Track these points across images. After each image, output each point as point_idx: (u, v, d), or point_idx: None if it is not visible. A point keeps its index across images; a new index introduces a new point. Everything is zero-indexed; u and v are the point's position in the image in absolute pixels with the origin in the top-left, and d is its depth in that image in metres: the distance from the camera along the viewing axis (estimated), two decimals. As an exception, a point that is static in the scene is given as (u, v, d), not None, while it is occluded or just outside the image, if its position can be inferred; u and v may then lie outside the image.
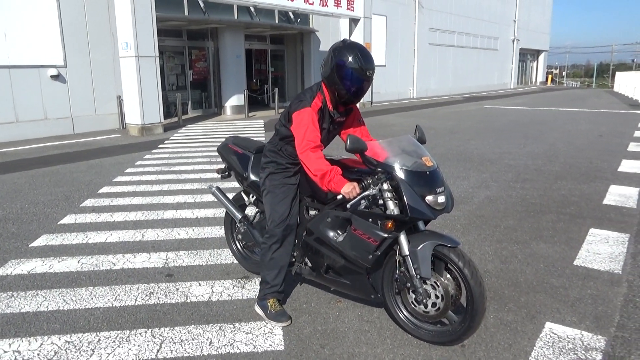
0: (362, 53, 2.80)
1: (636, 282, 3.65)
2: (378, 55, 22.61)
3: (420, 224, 2.84)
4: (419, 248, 2.69)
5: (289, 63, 21.02)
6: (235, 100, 17.28)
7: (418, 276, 2.72)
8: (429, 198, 2.65)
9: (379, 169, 2.72)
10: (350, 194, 2.67)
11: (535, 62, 45.44)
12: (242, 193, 3.75)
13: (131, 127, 12.30)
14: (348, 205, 2.73)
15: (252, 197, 3.64)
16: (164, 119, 12.88)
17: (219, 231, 4.78)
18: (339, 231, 2.98)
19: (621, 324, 3.06)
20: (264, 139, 11.00)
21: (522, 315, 3.17)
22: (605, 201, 5.82)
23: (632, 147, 9.68)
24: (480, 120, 15.31)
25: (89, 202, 5.90)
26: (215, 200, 4.14)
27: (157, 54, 12.18)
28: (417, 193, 2.63)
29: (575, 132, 12.14)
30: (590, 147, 9.75)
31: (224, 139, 3.82)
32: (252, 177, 3.43)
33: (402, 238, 2.74)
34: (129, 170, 7.83)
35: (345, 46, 2.83)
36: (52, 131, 12.00)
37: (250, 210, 3.76)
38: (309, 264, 3.25)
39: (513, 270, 3.88)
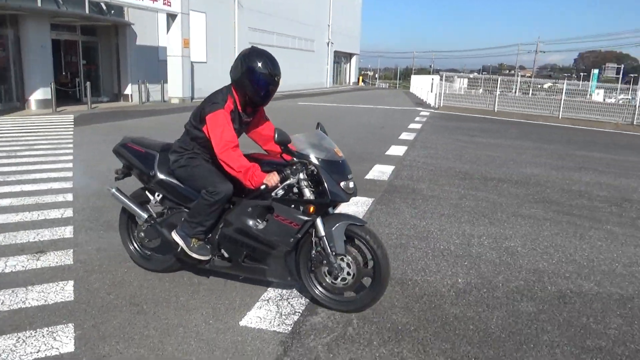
0: (270, 59, 3.14)
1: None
2: (198, 52, 22.90)
3: (330, 208, 3.23)
4: (333, 228, 3.06)
5: (104, 56, 20.16)
6: (41, 93, 16.14)
7: (334, 253, 3.09)
8: (343, 183, 3.08)
9: (296, 160, 3.07)
10: (272, 183, 3.01)
11: (349, 64, 50.21)
12: (146, 192, 3.70)
13: None
14: (273, 194, 3.05)
15: (158, 195, 3.62)
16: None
17: (15, 217, 4.96)
18: (258, 220, 3.22)
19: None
20: (72, 134, 10.78)
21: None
22: (367, 176, 7.36)
23: (403, 135, 11.94)
24: (290, 115, 16.83)
25: None
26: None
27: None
28: (333, 179, 3.06)
29: (365, 124, 14.30)
30: (372, 136, 11.73)
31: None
32: (160, 175, 3.48)
33: (319, 221, 3.09)
34: None
35: (255, 53, 3.15)
36: None
37: (154, 209, 3.74)
38: (225, 255, 3.39)
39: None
